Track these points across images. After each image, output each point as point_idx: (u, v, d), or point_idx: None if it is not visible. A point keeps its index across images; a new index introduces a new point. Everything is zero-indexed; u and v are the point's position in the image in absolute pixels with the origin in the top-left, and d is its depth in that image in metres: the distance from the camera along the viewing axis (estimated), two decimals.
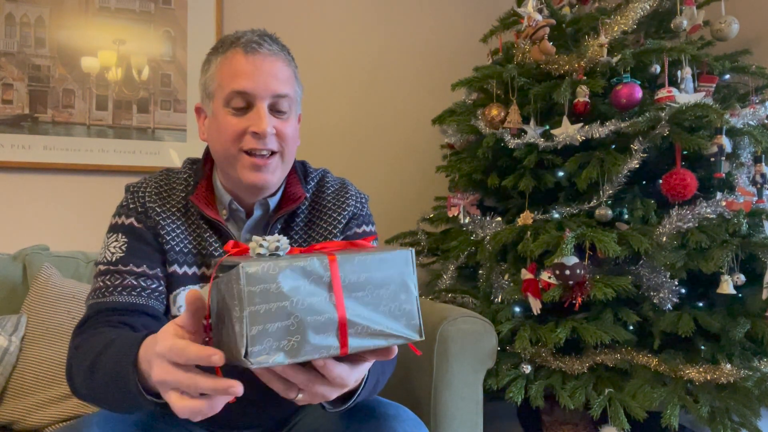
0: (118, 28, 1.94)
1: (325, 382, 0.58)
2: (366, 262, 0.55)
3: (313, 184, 1.02)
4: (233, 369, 0.91)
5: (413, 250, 0.58)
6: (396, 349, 0.59)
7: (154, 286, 0.88)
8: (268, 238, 0.56)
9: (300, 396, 0.59)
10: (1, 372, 1.31)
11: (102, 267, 0.89)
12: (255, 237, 0.57)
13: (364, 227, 1.02)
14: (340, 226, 0.98)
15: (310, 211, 1.00)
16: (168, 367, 0.56)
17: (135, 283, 0.86)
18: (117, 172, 1.95)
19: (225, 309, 0.55)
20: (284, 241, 0.56)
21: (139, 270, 0.87)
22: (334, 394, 0.60)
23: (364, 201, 1.03)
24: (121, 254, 0.88)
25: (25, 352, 1.36)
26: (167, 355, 0.56)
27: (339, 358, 0.57)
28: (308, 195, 1.00)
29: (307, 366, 0.58)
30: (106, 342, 0.74)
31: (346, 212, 0.99)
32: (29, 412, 1.30)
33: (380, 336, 0.54)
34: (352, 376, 0.59)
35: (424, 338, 0.57)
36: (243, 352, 0.50)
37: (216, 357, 0.54)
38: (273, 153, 0.88)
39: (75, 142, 1.89)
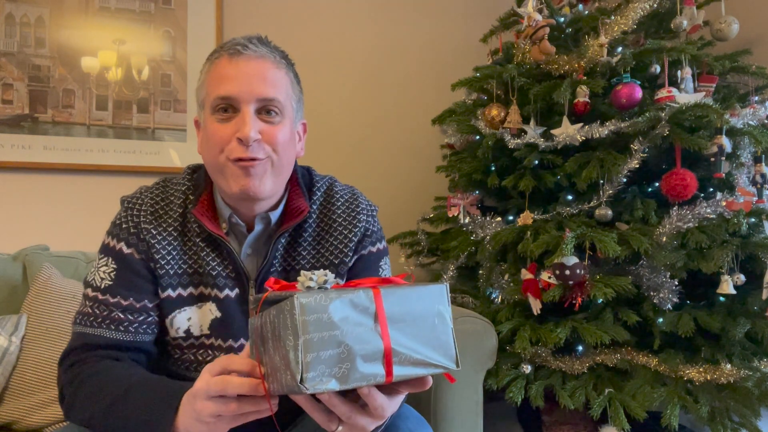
0: (118, 28, 1.94)
1: (365, 414, 0.60)
2: (406, 295, 0.59)
3: (319, 194, 0.96)
4: None
5: (447, 285, 0.62)
6: (431, 380, 0.61)
7: (141, 318, 0.87)
8: (316, 272, 0.59)
9: (340, 429, 0.62)
10: (1, 372, 1.31)
11: (90, 292, 0.87)
12: (304, 272, 0.60)
13: (378, 245, 0.98)
14: (351, 245, 0.93)
15: (318, 225, 0.95)
16: (215, 403, 0.63)
17: (122, 316, 0.85)
18: (117, 172, 1.96)
19: (274, 341, 0.58)
20: (331, 276, 0.60)
21: (126, 303, 0.86)
22: (372, 426, 0.62)
23: (374, 213, 0.99)
24: (110, 282, 0.86)
25: (25, 352, 1.35)
26: (210, 392, 0.63)
27: (380, 386, 0.60)
28: (314, 207, 0.95)
29: (349, 398, 0.61)
30: (128, 386, 0.76)
31: (357, 229, 0.94)
32: (29, 412, 1.30)
33: (421, 365, 0.58)
34: (390, 407, 0.61)
35: (460, 368, 0.60)
36: (299, 377, 0.52)
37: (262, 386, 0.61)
38: (260, 160, 0.83)
39: (75, 142, 1.89)
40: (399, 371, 0.56)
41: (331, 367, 0.53)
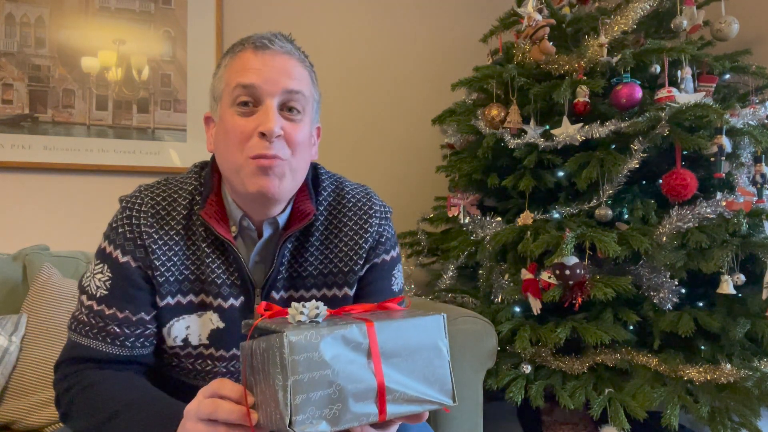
0: (118, 28, 1.94)
1: None
2: (402, 328, 0.56)
3: (326, 194, 0.91)
4: None
5: (445, 315, 0.60)
6: (427, 414, 0.59)
7: (138, 331, 0.83)
8: (307, 305, 0.57)
9: None
10: (1, 372, 1.31)
11: (86, 300, 0.83)
12: (294, 304, 0.57)
13: (392, 252, 0.93)
14: (362, 252, 0.88)
15: (327, 228, 0.89)
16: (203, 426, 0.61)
17: (118, 330, 0.81)
18: (117, 172, 1.96)
19: (264, 374, 0.56)
20: (323, 307, 0.57)
21: (122, 316, 0.82)
22: None
23: (388, 216, 0.93)
24: (105, 292, 0.82)
25: (25, 352, 1.35)
26: (200, 414, 0.61)
27: (373, 424, 0.58)
28: (321, 209, 0.89)
29: None
30: (127, 402, 0.75)
31: (369, 234, 0.88)
32: (29, 412, 1.30)
33: (415, 402, 0.56)
34: None
35: (457, 403, 0.58)
36: (287, 421, 0.50)
37: (253, 416, 0.58)
38: (281, 159, 0.78)
39: (75, 142, 1.89)
40: (393, 409, 0.54)
41: (322, 409, 0.51)
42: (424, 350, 0.57)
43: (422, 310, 0.64)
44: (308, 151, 0.84)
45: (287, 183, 0.80)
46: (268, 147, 0.76)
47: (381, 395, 0.54)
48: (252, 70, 0.78)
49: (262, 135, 0.76)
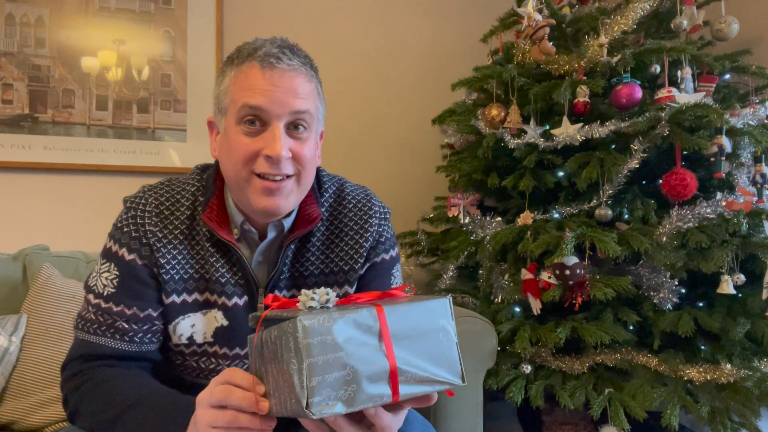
0: (118, 28, 1.94)
1: None
2: (410, 311, 0.57)
3: (328, 195, 0.93)
4: None
5: (450, 297, 0.61)
6: (436, 396, 0.60)
7: (146, 327, 0.84)
8: (317, 291, 0.58)
9: None
10: (1, 372, 1.31)
11: (93, 298, 0.84)
12: (305, 291, 0.58)
13: (391, 252, 0.95)
14: (363, 251, 0.90)
15: (328, 228, 0.91)
16: (215, 412, 0.63)
17: (126, 326, 0.82)
18: (117, 172, 1.95)
19: (276, 362, 0.57)
20: (333, 294, 0.59)
21: (130, 312, 0.83)
22: None
23: (387, 217, 0.95)
24: (112, 290, 0.83)
25: (25, 352, 1.35)
26: (211, 401, 0.63)
27: (385, 405, 0.59)
28: (323, 210, 0.90)
29: (353, 418, 0.60)
30: (136, 398, 0.75)
31: (369, 234, 0.90)
32: (29, 412, 1.30)
33: (427, 382, 0.57)
34: (396, 424, 0.60)
35: (466, 383, 0.59)
36: (304, 402, 0.51)
37: (263, 404, 0.60)
38: (288, 176, 0.80)
39: (75, 142, 1.89)
40: (405, 390, 0.55)
41: (337, 390, 0.52)
42: (432, 332, 0.58)
43: (427, 295, 0.65)
44: (314, 163, 0.85)
45: (293, 199, 0.82)
46: (275, 168, 0.78)
47: (393, 376, 0.55)
48: (259, 90, 0.77)
49: (269, 158, 0.77)
